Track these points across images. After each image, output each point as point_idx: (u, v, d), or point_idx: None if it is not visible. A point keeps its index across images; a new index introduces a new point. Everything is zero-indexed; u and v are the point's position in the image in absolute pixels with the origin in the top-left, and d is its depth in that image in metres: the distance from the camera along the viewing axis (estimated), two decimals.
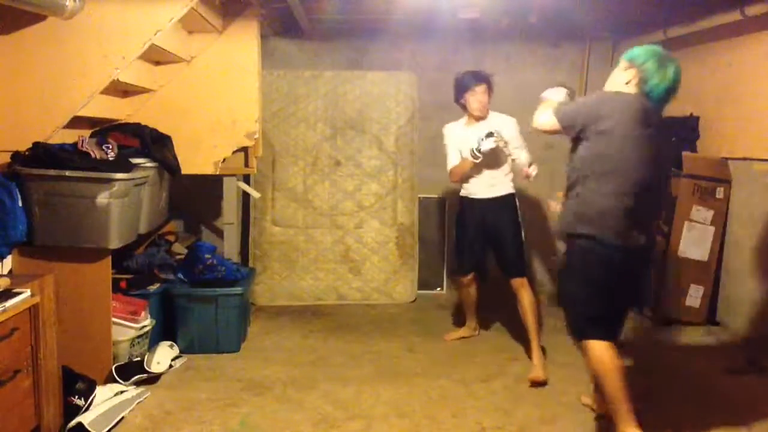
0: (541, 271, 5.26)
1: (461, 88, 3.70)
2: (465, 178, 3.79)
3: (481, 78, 3.67)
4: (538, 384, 3.34)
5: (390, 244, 4.98)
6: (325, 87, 4.93)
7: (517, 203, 3.78)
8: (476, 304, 4.09)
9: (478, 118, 3.71)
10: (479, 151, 3.49)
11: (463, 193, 3.89)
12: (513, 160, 3.70)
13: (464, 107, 3.75)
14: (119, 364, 3.26)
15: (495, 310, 4.73)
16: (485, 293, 4.11)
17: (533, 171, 3.64)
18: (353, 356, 3.80)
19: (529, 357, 3.61)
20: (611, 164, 2.48)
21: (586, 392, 3.14)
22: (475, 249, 3.86)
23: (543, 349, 3.63)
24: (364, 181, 4.98)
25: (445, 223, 5.21)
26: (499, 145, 3.50)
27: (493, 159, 3.63)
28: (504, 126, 3.64)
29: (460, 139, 3.74)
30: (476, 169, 3.69)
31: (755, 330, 4.05)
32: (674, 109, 4.85)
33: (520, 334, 4.19)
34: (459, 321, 4.37)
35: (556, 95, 2.83)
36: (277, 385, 3.35)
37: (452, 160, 3.82)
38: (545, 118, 2.67)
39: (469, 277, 3.94)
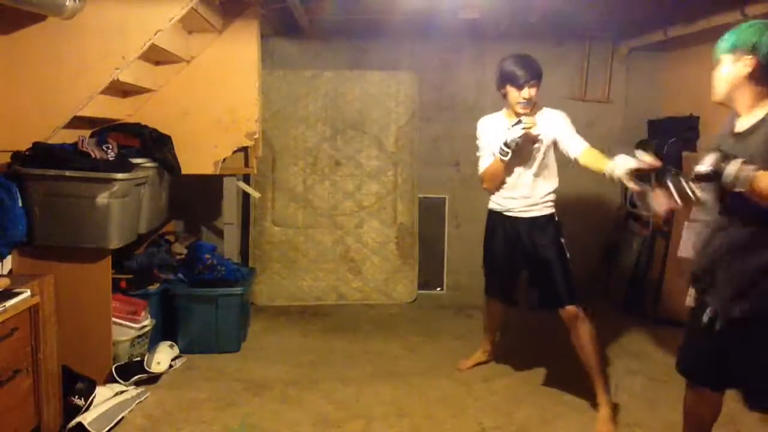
0: None
1: (505, 77, 3.04)
2: (498, 185, 3.20)
3: (533, 74, 3.00)
4: None
5: (390, 244, 4.98)
6: (325, 87, 4.93)
7: (559, 223, 3.20)
8: (497, 329, 3.67)
9: (521, 114, 3.07)
10: (506, 145, 2.97)
11: (492, 206, 3.31)
12: (574, 159, 3.01)
13: (505, 97, 3.13)
14: (119, 364, 3.26)
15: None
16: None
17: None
18: (353, 356, 3.80)
19: (594, 406, 3.05)
20: None
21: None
22: (503, 274, 3.35)
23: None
24: (364, 181, 4.98)
25: (445, 223, 5.21)
26: (531, 134, 2.93)
27: (532, 164, 3.08)
28: (551, 121, 3.07)
29: (497, 135, 3.10)
30: (509, 172, 3.12)
31: None
32: (674, 109, 4.89)
33: (521, 334, 4.19)
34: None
35: None
36: (277, 385, 3.35)
37: (485, 161, 3.21)
38: None
39: (495, 300, 3.52)
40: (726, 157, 1.92)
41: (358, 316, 4.65)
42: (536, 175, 3.13)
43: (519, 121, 2.94)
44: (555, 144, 3.09)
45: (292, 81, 4.91)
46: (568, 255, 3.12)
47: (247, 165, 4.21)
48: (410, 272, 5.02)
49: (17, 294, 2.43)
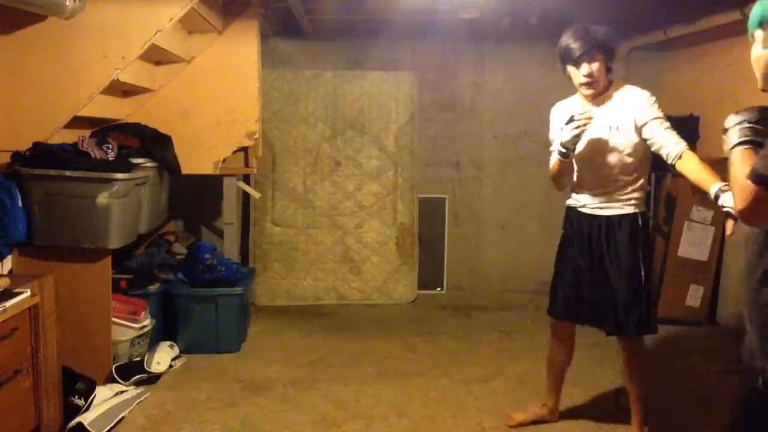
0: None
1: (562, 55, 2.61)
2: (566, 183, 2.68)
3: (590, 44, 2.49)
4: None
5: (390, 244, 4.98)
6: (325, 87, 4.93)
7: (643, 230, 2.58)
8: (563, 371, 2.85)
9: (593, 96, 2.57)
10: (564, 146, 2.47)
11: (570, 201, 2.74)
12: (670, 163, 2.42)
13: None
14: (119, 364, 3.26)
15: (489, 309, 4.73)
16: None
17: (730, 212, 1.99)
18: (353, 356, 3.80)
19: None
20: None
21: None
22: (575, 289, 2.67)
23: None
24: (364, 181, 4.98)
25: (445, 223, 5.21)
26: (586, 130, 2.41)
27: (604, 155, 2.53)
28: (630, 104, 2.49)
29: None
30: (583, 168, 2.59)
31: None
32: (674, 109, 4.88)
33: (520, 333, 4.19)
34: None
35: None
36: (277, 385, 3.35)
37: (553, 157, 2.66)
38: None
39: (562, 324, 2.77)
40: None
41: (358, 316, 4.65)
42: (616, 165, 2.53)
43: (571, 119, 2.41)
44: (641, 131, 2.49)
45: (292, 81, 4.91)
46: (643, 272, 2.53)
47: (247, 165, 4.21)
48: (410, 272, 5.02)
49: (17, 294, 2.43)
